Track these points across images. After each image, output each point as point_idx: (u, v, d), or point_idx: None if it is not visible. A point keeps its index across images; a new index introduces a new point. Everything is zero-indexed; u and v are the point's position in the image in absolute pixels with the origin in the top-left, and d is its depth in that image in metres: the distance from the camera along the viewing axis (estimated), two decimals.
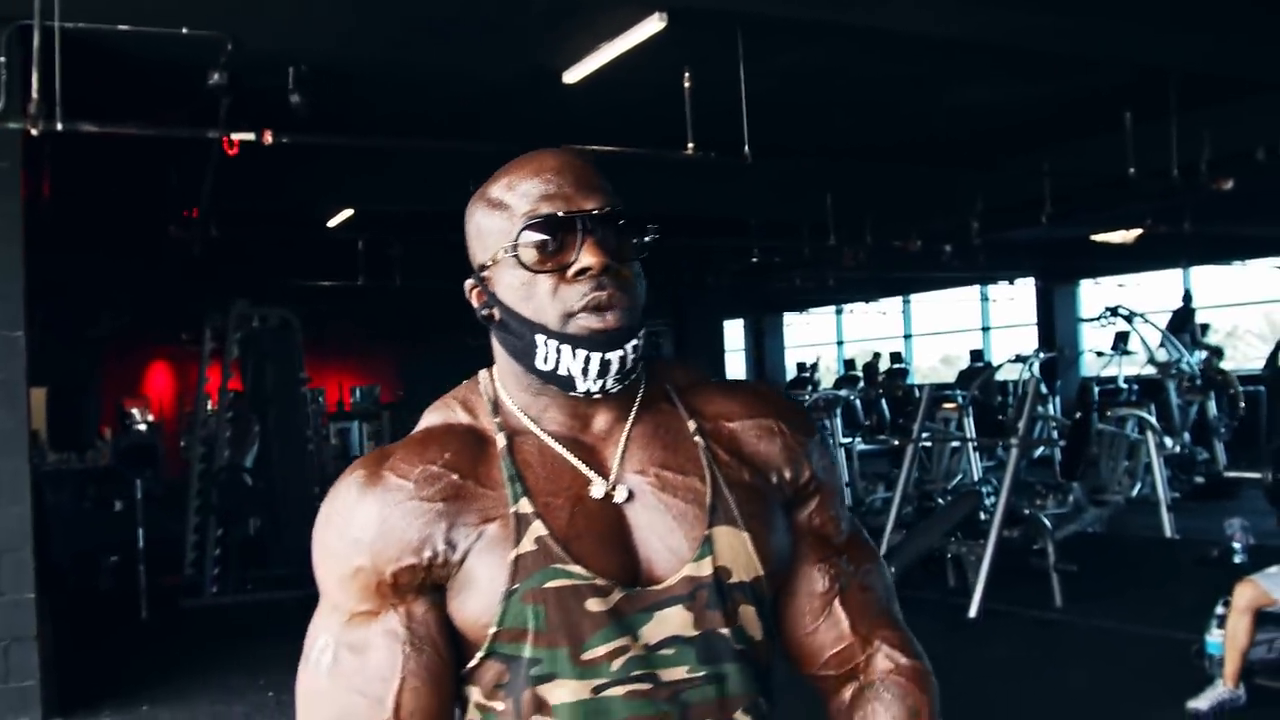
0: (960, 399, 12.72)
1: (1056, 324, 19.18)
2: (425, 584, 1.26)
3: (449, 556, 1.25)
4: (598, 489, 1.30)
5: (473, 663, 1.28)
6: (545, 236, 1.27)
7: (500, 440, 1.32)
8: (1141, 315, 13.89)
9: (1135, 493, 10.70)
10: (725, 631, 1.28)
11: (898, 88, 8.41)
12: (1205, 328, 16.31)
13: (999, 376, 15.85)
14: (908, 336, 24.15)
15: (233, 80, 6.21)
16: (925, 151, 10.25)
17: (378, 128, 8.31)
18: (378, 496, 1.26)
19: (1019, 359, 15.39)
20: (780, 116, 7.96)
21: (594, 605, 1.24)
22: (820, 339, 25.91)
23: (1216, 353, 14.92)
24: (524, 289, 1.29)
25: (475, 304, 1.36)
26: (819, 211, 11.23)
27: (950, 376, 19.90)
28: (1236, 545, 8.46)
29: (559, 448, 1.32)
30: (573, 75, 7.43)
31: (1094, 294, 19.04)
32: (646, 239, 1.33)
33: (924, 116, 9.23)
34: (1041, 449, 12.76)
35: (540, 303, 1.28)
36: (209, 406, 10.05)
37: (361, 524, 1.26)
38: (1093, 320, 15.81)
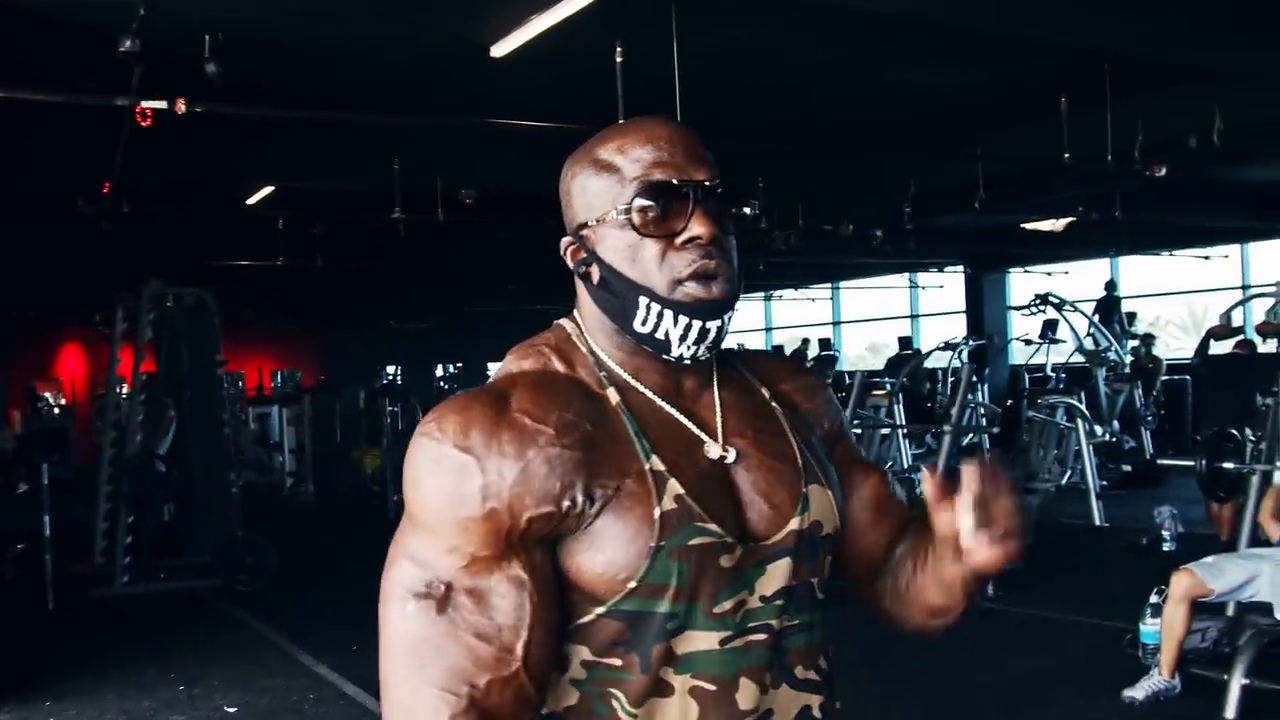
0: (890, 386, 12.73)
1: (985, 312, 19.29)
2: (548, 535, 1.25)
3: (586, 508, 1.24)
4: (713, 450, 1.34)
5: (586, 618, 1.27)
6: (657, 202, 1.29)
7: (613, 395, 1.33)
8: (1071, 304, 13.98)
9: (1065, 480, 10.74)
10: (814, 581, 1.36)
11: (832, 68, 8.29)
12: (1132, 316, 16.52)
13: (928, 364, 15.93)
14: (836, 324, 24.22)
15: (145, 47, 5.91)
16: (859, 134, 10.16)
17: (298, 100, 8.02)
18: (515, 438, 1.24)
19: (948, 346, 15.51)
20: (713, 96, 7.80)
21: (725, 561, 1.27)
22: (748, 326, 25.88)
23: (1147, 340, 15.09)
24: (629, 251, 1.31)
25: (570, 261, 1.38)
26: (750, 194, 11.09)
27: (878, 364, 20.00)
28: (1166, 533, 8.50)
29: (669, 408, 1.35)
30: (501, 49, 7.20)
31: (1023, 282, 19.19)
32: (746, 211, 1.37)
33: (858, 99, 9.13)
34: (971, 436, 12.75)
35: (646, 266, 1.30)
36: (121, 390, 9.72)
37: (497, 466, 1.23)
38: (1022, 308, 15.94)
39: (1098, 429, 11.46)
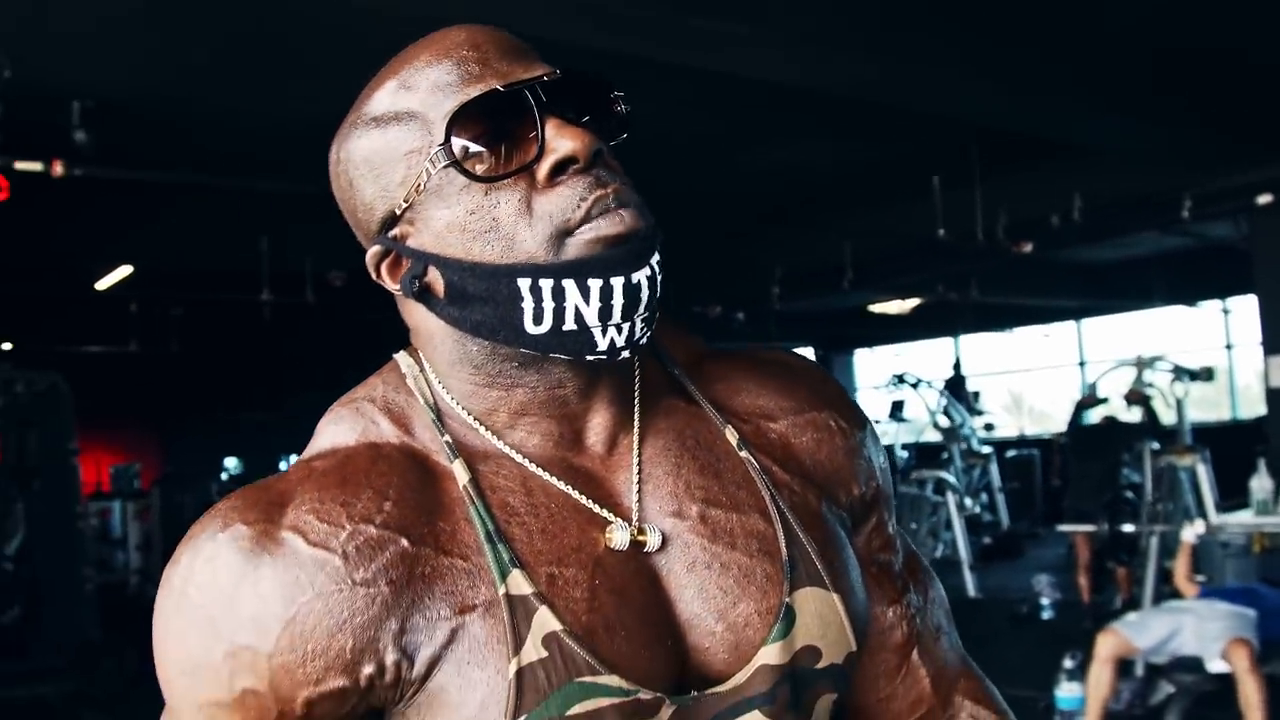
0: None
1: None
2: (356, 712, 0.83)
3: (403, 671, 0.81)
4: (620, 537, 0.87)
5: None
6: (488, 124, 0.83)
7: (460, 474, 0.87)
8: (927, 382, 14.32)
9: (938, 554, 10.88)
10: None
11: (713, 143, 8.34)
12: (977, 395, 17.04)
13: None
14: None
15: (8, 113, 5.60)
16: (725, 214, 10.24)
17: (168, 168, 7.70)
18: (279, 577, 0.80)
19: None
20: None
21: None
22: None
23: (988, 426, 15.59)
24: (476, 221, 0.84)
25: (390, 282, 0.90)
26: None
27: None
28: (1045, 601, 8.63)
29: (549, 477, 0.88)
30: None
31: (868, 362, 19.63)
32: (620, 108, 0.91)
33: (736, 175, 9.21)
34: None
35: (509, 231, 0.83)
36: None
37: (252, 621, 0.80)
38: (878, 388, 16.27)
39: (968, 501, 11.68)
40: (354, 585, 0.80)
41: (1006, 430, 19.19)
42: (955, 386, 16.09)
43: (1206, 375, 8.76)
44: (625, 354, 0.85)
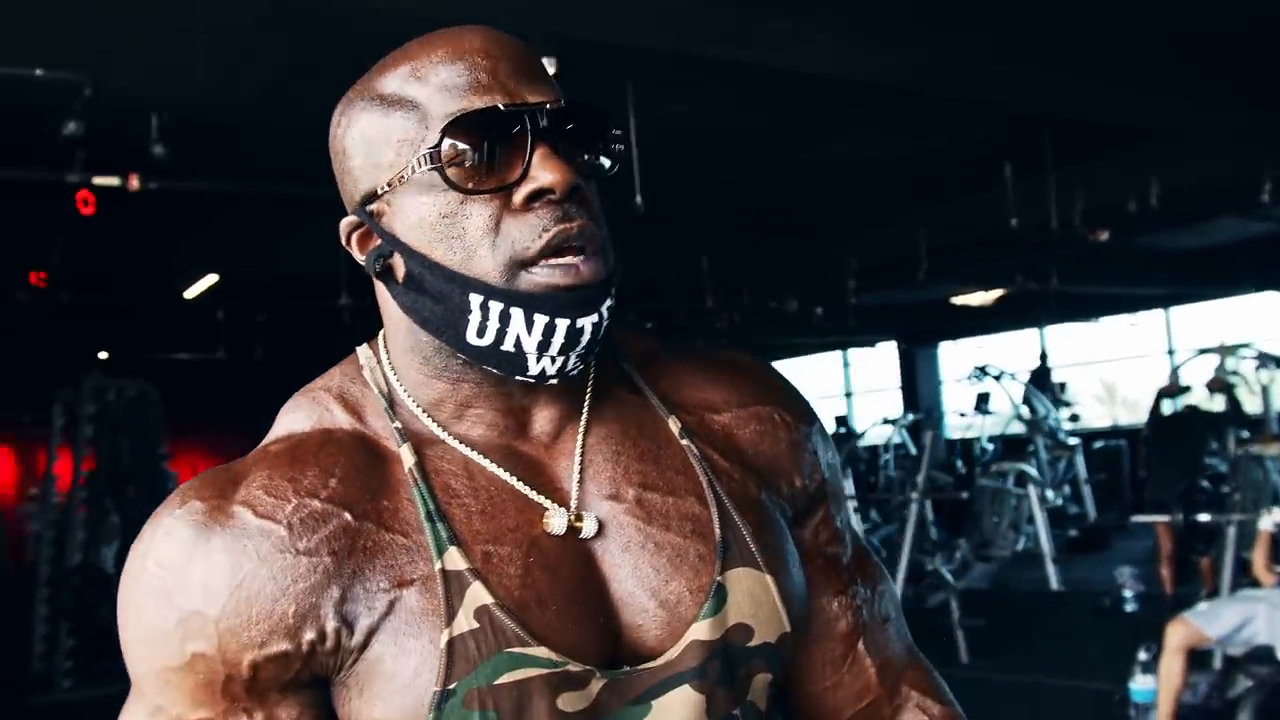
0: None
1: (919, 386, 19.46)
2: (300, 678, 0.87)
3: (343, 639, 0.86)
4: (557, 522, 0.91)
5: None
6: (479, 139, 0.87)
7: (406, 457, 0.92)
8: (1010, 374, 14.14)
9: (1020, 546, 10.76)
10: (736, 713, 0.92)
11: (779, 140, 8.35)
12: (1063, 386, 16.78)
13: (866, 441, 16.04)
14: None
15: (90, 129, 5.79)
16: (803, 207, 10.22)
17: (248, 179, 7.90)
18: (228, 545, 0.85)
19: (888, 422, 15.62)
20: (661, 173, 7.81)
21: (568, 703, 0.86)
22: None
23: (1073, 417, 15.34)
24: (445, 225, 0.88)
25: (358, 252, 0.95)
26: (694, 272, 11.12)
27: None
28: (1128, 594, 8.50)
29: (492, 465, 0.93)
30: None
31: (952, 355, 19.42)
32: (614, 147, 0.93)
33: (804, 171, 9.20)
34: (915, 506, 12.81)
35: (473, 244, 0.87)
36: (55, 492, 9.38)
37: (201, 587, 0.84)
38: (958, 380, 16.10)
39: (1050, 494, 11.54)
40: (297, 554, 0.85)
41: (1099, 421, 18.92)
42: (1040, 378, 15.87)
43: None
44: (553, 381, 0.91)
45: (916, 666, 1.11)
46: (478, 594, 0.86)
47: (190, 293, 10.83)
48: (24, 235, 8.05)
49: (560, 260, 0.87)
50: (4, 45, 5.37)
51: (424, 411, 0.95)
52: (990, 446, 15.26)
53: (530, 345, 0.88)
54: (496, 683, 0.84)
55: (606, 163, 0.93)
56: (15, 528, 16.34)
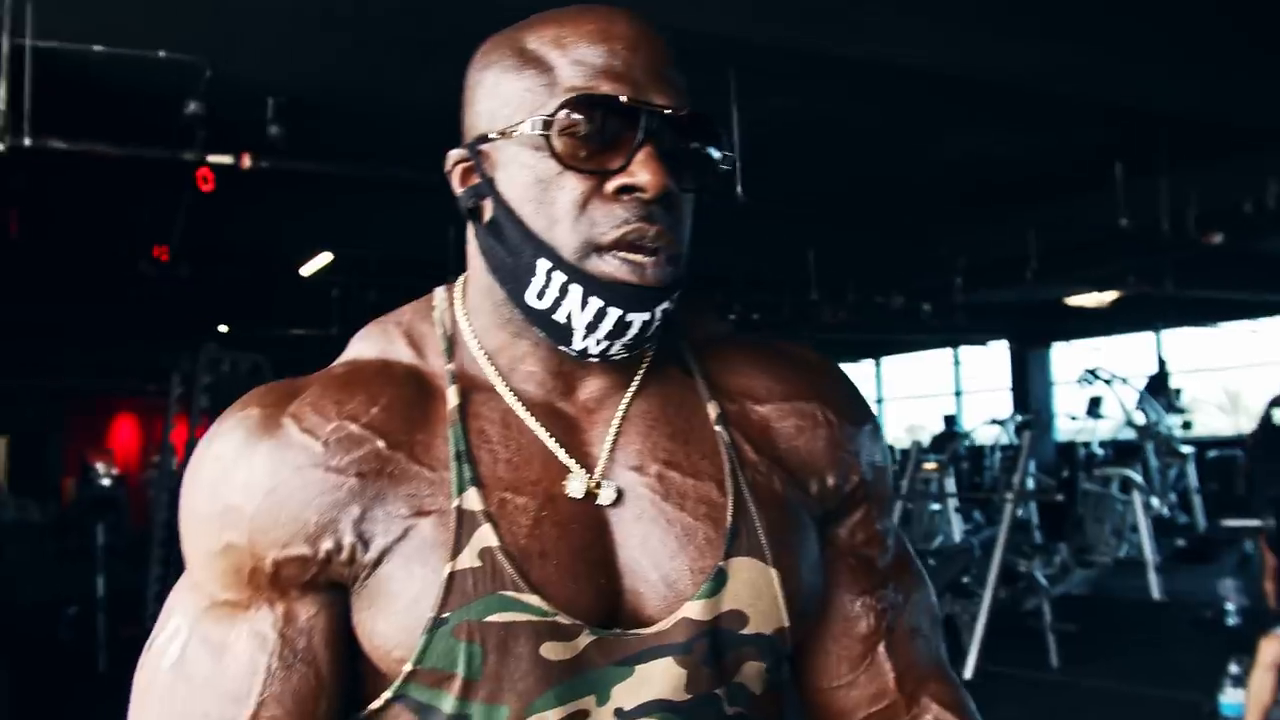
0: (941, 460, 12.61)
1: (1030, 387, 19.13)
2: (319, 581, 0.94)
3: (357, 554, 0.92)
4: (575, 486, 0.96)
5: (377, 703, 0.95)
6: (593, 121, 0.91)
7: (451, 398, 0.97)
8: (1122, 378, 13.86)
9: (1122, 554, 10.57)
10: (720, 692, 0.95)
11: (886, 136, 8.31)
12: (1178, 392, 16.37)
13: (970, 442, 15.85)
14: (879, 400, 24.09)
15: (210, 110, 6.01)
16: (909, 203, 10.15)
17: (361, 161, 8.11)
18: (270, 453, 0.93)
19: (995, 422, 15.42)
20: (766, 165, 7.84)
21: (551, 651, 0.90)
22: None
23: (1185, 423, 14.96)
24: (538, 188, 0.93)
25: (458, 185, 1.00)
26: (800, 266, 11.10)
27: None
28: (1230, 606, 8.30)
29: (530, 420, 0.98)
30: None
31: (1065, 357, 19.05)
32: (719, 166, 0.97)
33: (911, 167, 9.14)
34: (1020, 509, 12.66)
35: (558, 214, 0.93)
36: (175, 457, 9.75)
37: (243, 486, 0.93)
38: (1070, 383, 15.82)
39: (1154, 501, 11.30)
40: (327, 470, 0.92)
41: (1223, 430, 18.36)
42: (1157, 383, 15.52)
43: None
44: (594, 360, 0.96)
45: (942, 681, 1.10)
46: (485, 535, 0.91)
47: (306, 270, 11.13)
48: (148, 211, 8.37)
49: (630, 256, 0.92)
50: (129, 29, 5.59)
51: (483, 355, 1.01)
52: (1101, 452, 14.97)
53: (579, 323, 0.93)
54: (486, 620, 0.90)
55: (709, 178, 0.97)
56: (138, 493, 16.99)
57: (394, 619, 0.91)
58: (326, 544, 0.92)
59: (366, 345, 1.03)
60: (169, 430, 9.86)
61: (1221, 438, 16.94)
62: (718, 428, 1.01)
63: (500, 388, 0.99)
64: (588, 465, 0.97)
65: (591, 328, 0.93)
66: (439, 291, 1.06)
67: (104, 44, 5.53)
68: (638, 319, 0.93)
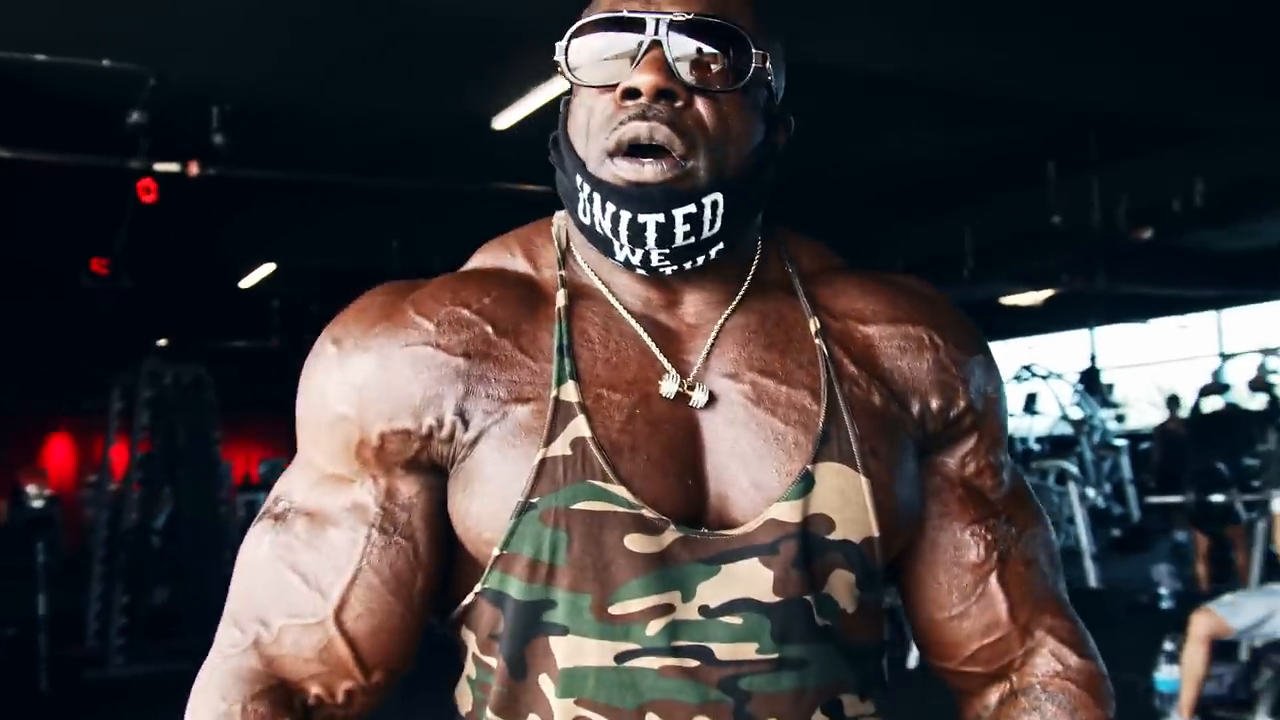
0: None
1: None
2: (421, 460, 0.97)
3: (457, 432, 0.95)
4: (668, 386, 0.96)
5: (470, 597, 0.98)
6: (600, 43, 0.96)
7: (560, 299, 1.00)
8: (1057, 374, 14.12)
9: (1060, 544, 10.76)
10: (809, 599, 0.94)
11: (823, 135, 8.42)
12: (1110, 387, 16.71)
13: None
14: None
15: (153, 119, 6.00)
16: (847, 202, 10.28)
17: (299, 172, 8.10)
18: (385, 333, 0.97)
19: None
20: None
21: (635, 544, 0.92)
22: None
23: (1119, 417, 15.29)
24: (579, 114, 0.99)
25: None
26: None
27: None
28: (1164, 591, 8.52)
29: (632, 322, 1.00)
30: (503, 121, 7.32)
31: (1001, 355, 19.30)
32: (747, 65, 0.97)
33: (848, 165, 9.27)
34: None
35: (587, 132, 0.97)
36: (113, 475, 9.63)
37: (358, 363, 0.97)
38: (1006, 380, 16.05)
39: (1089, 492, 11.53)
40: (436, 348, 0.97)
41: (1153, 423, 18.69)
42: (1089, 379, 15.81)
43: None
44: (641, 270, 0.98)
45: (1060, 614, 1.08)
46: (579, 426, 0.94)
47: (247, 282, 11.07)
48: (88, 222, 8.30)
49: (631, 158, 0.94)
50: (73, 37, 5.58)
51: (589, 268, 1.04)
52: (1038, 447, 15.22)
53: (608, 231, 0.96)
54: (573, 507, 0.92)
55: (738, 80, 0.97)
56: (73, 512, 16.71)
57: (486, 501, 0.94)
58: (429, 419, 0.96)
59: (485, 257, 1.08)
60: (109, 446, 9.73)
61: (1151, 431, 17.28)
62: (817, 341, 1.02)
63: (606, 294, 1.02)
64: (684, 371, 0.99)
65: (615, 234, 0.96)
66: (560, 213, 1.09)
67: (47, 53, 5.52)
68: (650, 220, 0.94)
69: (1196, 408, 9.09)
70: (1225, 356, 13.20)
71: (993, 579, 1.05)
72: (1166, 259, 12.61)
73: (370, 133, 7.74)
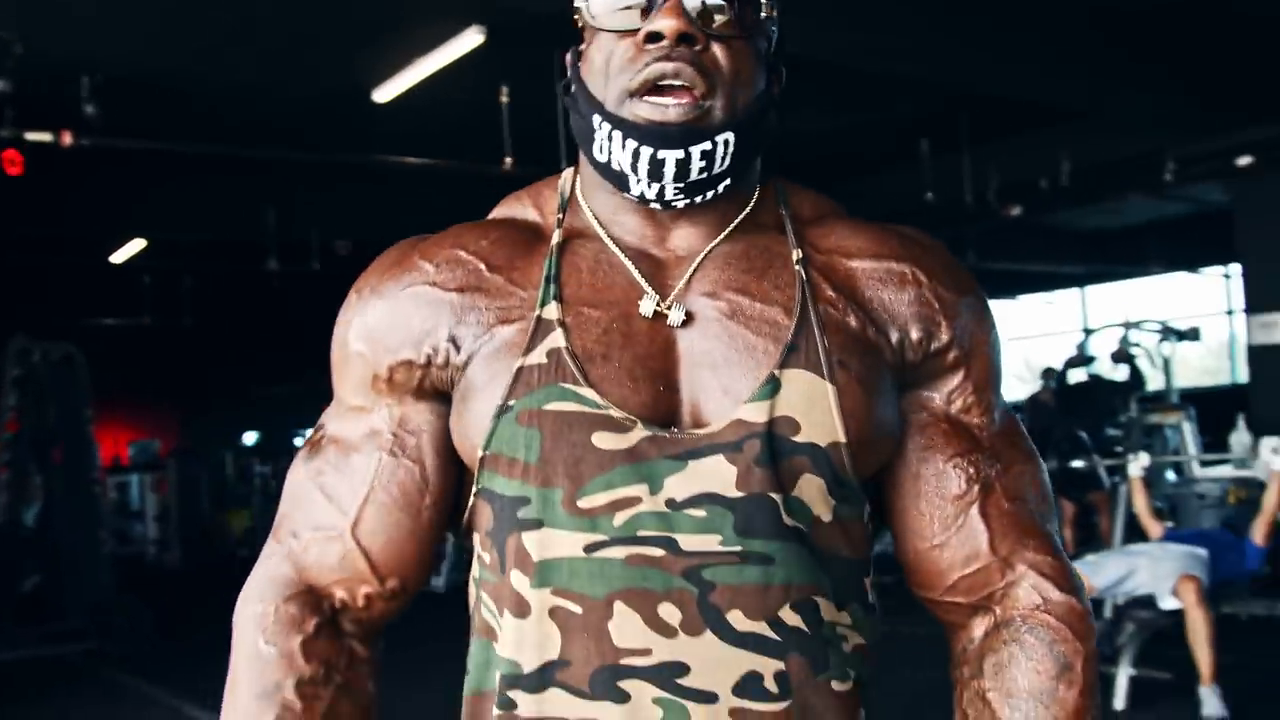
0: None
1: None
2: (425, 387, 1.07)
3: (451, 356, 1.05)
4: (646, 305, 1.03)
5: (470, 500, 1.08)
6: None
7: (556, 237, 1.08)
8: None
9: None
10: (775, 497, 0.98)
11: None
12: None
13: None
14: None
15: (19, 88, 5.82)
16: None
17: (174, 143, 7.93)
18: (396, 277, 1.09)
19: None
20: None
21: (603, 440, 0.98)
22: None
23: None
24: (596, 57, 1.04)
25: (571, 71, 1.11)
26: None
27: None
28: None
29: (620, 254, 1.07)
30: (383, 94, 7.26)
31: None
32: (759, 14, 1.05)
33: None
34: None
35: (606, 73, 1.03)
36: None
37: (372, 306, 1.09)
38: None
39: None
40: (433, 286, 1.07)
41: (1023, 396, 19.23)
42: None
43: (1193, 335, 8.91)
44: (656, 205, 1.05)
45: (1044, 550, 1.08)
46: (556, 339, 1.02)
47: (118, 257, 10.79)
48: None
49: (655, 98, 1.00)
50: None
51: (593, 212, 1.10)
52: None
53: (626, 167, 1.02)
54: (544, 407, 1.00)
55: (740, 27, 1.03)
56: None
57: (473, 410, 1.03)
58: (427, 348, 1.06)
59: (501, 209, 1.16)
60: None
61: (1022, 403, 17.81)
62: (797, 268, 1.06)
63: (600, 234, 1.09)
64: (664, 294, 1.05)
65: (634, 169, 1.02)
66: (568, 169, 1.16)
67: None
68: (670, 156, 1.00)
69: (1062, 379, 9.41)
70: (1089, 331, 13.71)
71: (974, 510, 1.07)
72: (1034, 237, 13.04)
73: (249, 105, 7.61)
